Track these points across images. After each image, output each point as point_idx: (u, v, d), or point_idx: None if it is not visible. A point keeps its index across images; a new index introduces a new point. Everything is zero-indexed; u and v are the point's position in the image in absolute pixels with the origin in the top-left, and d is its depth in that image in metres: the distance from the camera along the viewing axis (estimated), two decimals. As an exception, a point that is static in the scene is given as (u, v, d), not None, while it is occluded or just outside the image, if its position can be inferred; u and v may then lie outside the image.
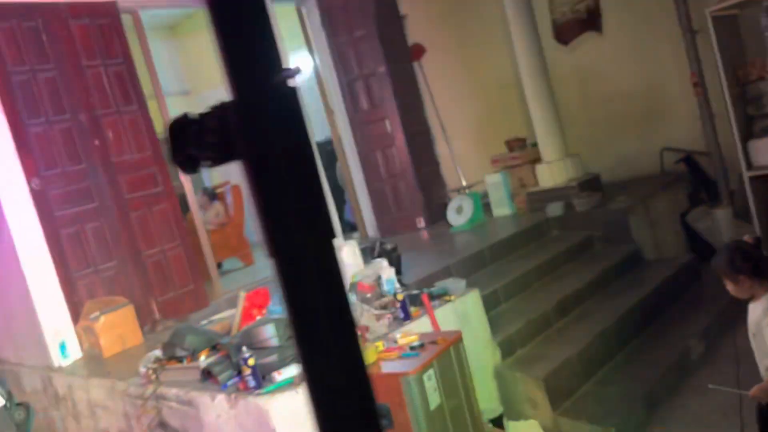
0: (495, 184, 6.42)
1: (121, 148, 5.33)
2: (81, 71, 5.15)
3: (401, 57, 7.15)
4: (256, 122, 0.37)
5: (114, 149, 5.27)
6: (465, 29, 7.25)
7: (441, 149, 7.48)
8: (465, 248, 5.45)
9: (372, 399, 0.40)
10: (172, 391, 3.48)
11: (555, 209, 5.75)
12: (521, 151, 6.44)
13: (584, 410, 3.65)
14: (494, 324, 4.20)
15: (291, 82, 0.39)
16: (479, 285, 4.64)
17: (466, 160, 7.36)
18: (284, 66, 0.38)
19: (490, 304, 4.40)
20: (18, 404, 4.86)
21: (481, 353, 3.90)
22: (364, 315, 3.49)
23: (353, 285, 3.83)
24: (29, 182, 4.74)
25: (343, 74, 7.16)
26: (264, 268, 7.28)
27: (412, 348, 2.93)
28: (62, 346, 4.66)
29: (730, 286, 2.63)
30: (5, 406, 4.70)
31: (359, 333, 2.92)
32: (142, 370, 3.77)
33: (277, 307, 3.60)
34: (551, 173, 5.98)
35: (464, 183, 7.03)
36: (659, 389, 3.75)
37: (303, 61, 7.86)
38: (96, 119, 5.19)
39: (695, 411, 3.66)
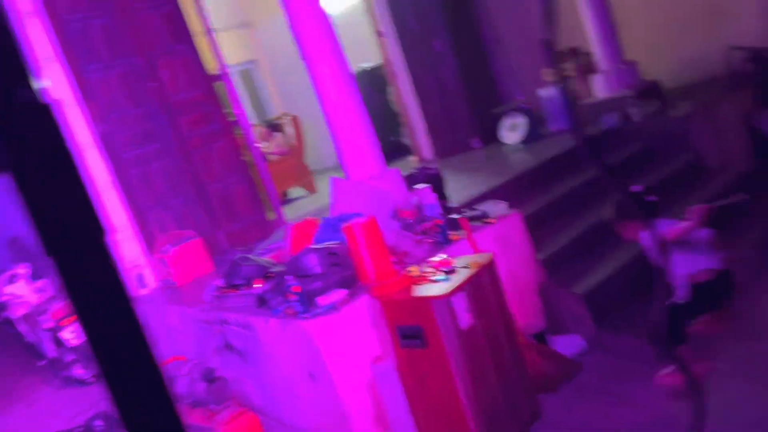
0: (549, 98, 6.25)
1: (177, 88, 5.55)
2: (131, 15, 5.33)
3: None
4: (7, 137, 0.44)
5: (170, 90, 5.49)
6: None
7: (496, 65, 7.28)
8: (516, 167, 5.42)
9: (163, 393, 0.49)
10: (233, 316, 3.78)
11: (610, 121, 5.56)
12: (574, 61, 6.18)
13: (629, 325, 3.69)
14: (540, 243, 4.23)
15: (40, 98, 0.46)
16: (528, 204, 4.66)
17: (523, 75, 7.15)
18: (32, 83, 0.45)
19: (537, 223, 4.42)
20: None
21: (525, 272, 3.97)
22: (404, 241, 3.61)
23: (396, 212, 3.94)
24: (94, 127, 5.06)
25: (390, -6, 7.00)
26: (327, 195, 7.50)
27: (446, 272, 3.04)
28: (139, 277, 5.10)
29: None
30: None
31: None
32: (207, 297, 4.10)
33: (322, 236, 3.78)
34: (607, 83, 5.74)
35: (520, 99, 6.86)
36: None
37: (349, -16, 7.73)
38: (150, 61, 5.40)
39: (748, 322, 3.63)
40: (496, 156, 6.24)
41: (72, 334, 5.16)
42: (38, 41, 4.90)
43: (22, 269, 6.10)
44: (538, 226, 4.39)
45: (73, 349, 5.19)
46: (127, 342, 0.48)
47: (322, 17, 3.97)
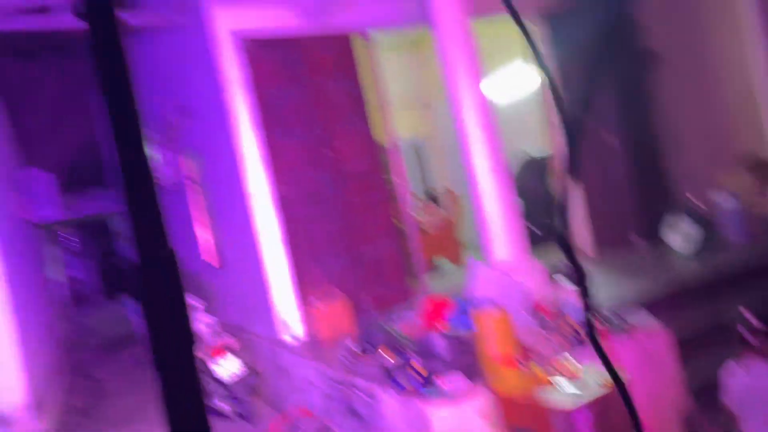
0: (727, 208, 5.80)
1: (349, 157, 6.01)
2: (318, 88, 5.91)
3: (630, 65, 6.80)
4: (143, 279, 0.62)
5: (343, 158, 5.97)
6: (704, 32, 6.62)
7: (670, 161, 6.95)
8: (679, 278, 5.07)
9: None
10: (360, 381, 3.93)
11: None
12: (762, 175, 5.70)
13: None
14: (693, 367, 3.91)
15: (170, 251, 0.63)
16: (686, 321, 4.35)
17: (697, 176, 6.74)
18: (167, 242, 0.62)
19: (695, 344, 4.10)
20: (253, 371, 5.82)
21: (666, 396, 3.68)
22: (535, 338, 3.55)
23: (533, 307, 3.89)
24: (275, 187, 5.59)
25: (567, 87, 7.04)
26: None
27: (572, 381, 2.94)
28: (288, 326, 5.46)
29: None
30: (245, 370, 5.67)
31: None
32: (341, 358, 4.31)
33: (454, 318, 3.84)
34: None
35: (692, 201, 6.45)
36: None
37: (528, 73, 7.90)
38: (329, 132, 5.92)
39: None
40: (658, 260, 5.88)
41: (223, 368, 5.62)
42: (236, 106, 5.59)
43: (197, 302, 6.80)
44: (694, 349, 4.06)
45: (220, 382, 5.65)
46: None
47: (484, 105, 4.14)
